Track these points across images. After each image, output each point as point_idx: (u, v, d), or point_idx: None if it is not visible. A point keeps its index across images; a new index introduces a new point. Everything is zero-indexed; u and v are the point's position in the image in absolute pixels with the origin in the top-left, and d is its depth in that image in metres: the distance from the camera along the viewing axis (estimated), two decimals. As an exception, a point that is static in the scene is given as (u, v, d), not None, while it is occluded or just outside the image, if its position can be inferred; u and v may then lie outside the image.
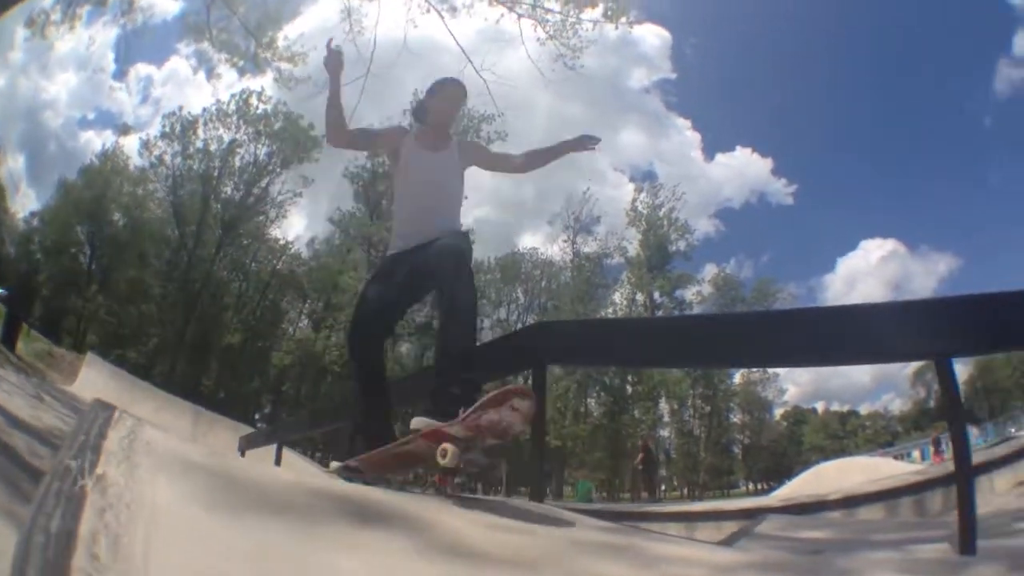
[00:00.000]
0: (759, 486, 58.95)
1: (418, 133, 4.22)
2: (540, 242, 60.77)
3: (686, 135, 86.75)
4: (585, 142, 4.29)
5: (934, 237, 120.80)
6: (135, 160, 48.94)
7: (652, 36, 63.59)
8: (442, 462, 2.82)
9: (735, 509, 10.22)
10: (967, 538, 3.13)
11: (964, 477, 3.32)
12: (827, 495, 10.48)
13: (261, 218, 50.55)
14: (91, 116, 53.10)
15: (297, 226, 70.44)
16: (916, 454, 42.95)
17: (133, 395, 20.44)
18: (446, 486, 3.00)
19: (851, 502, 9.53)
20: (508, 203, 67.55)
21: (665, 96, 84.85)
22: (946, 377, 3.36)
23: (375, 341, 4.01)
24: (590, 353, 5.57)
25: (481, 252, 52.73)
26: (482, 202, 64.08)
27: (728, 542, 4.52)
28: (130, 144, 49.74)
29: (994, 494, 9.50)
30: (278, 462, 11.18)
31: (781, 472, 53.99)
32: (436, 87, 4.18)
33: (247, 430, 18.62)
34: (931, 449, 28.85)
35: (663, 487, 60.40)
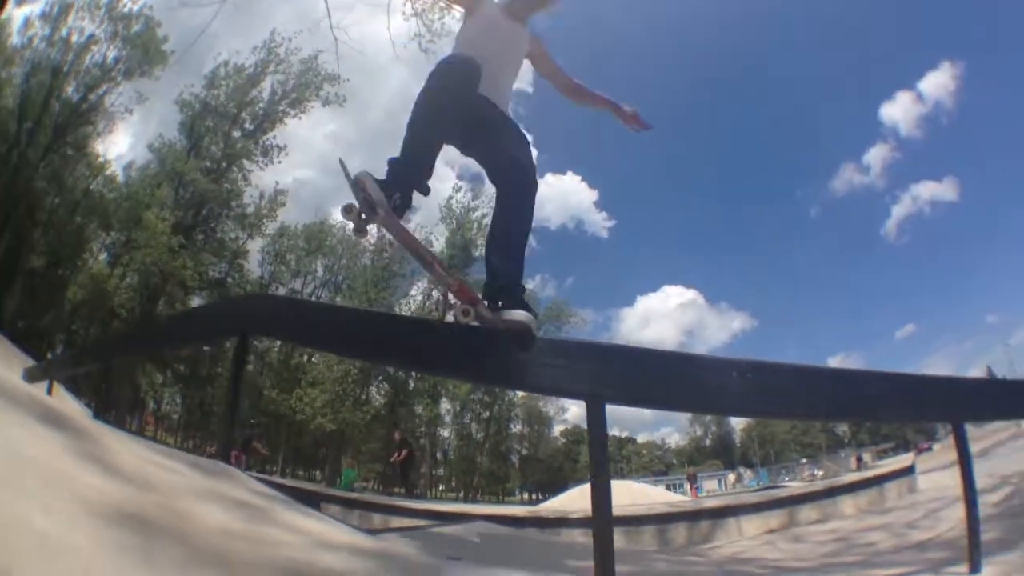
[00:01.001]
0: (533, 496, 59.79)
1: (505, 3, 3.98)
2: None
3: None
4: (636, 119, 4.19)
5: (734, 298, 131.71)
6: (15, 38, 42.39)
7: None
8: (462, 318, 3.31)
9: (476, 513, 10.27)
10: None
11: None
12: (572, 513, 10.35)
13: (90, 128, 44.60)
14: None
15: (121, 145, 64.75)
16: (687, 486, 44.84)
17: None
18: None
19: (589, 522, 8.97)
20: (335, 168, 64.68)
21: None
22: (596, 417, 3.19)
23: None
24: (294, 332, 5.27)
25: (293, 215, 50.47)
26: (308, 163, 61.62)
27: (375, 532, 4.59)
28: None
29: (741, 535, 9.46)
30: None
31: (555, 485, 54.77)
32: None
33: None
34: (688, 485, 29.68)
35: (442, 487, 60.82)
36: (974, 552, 3.81)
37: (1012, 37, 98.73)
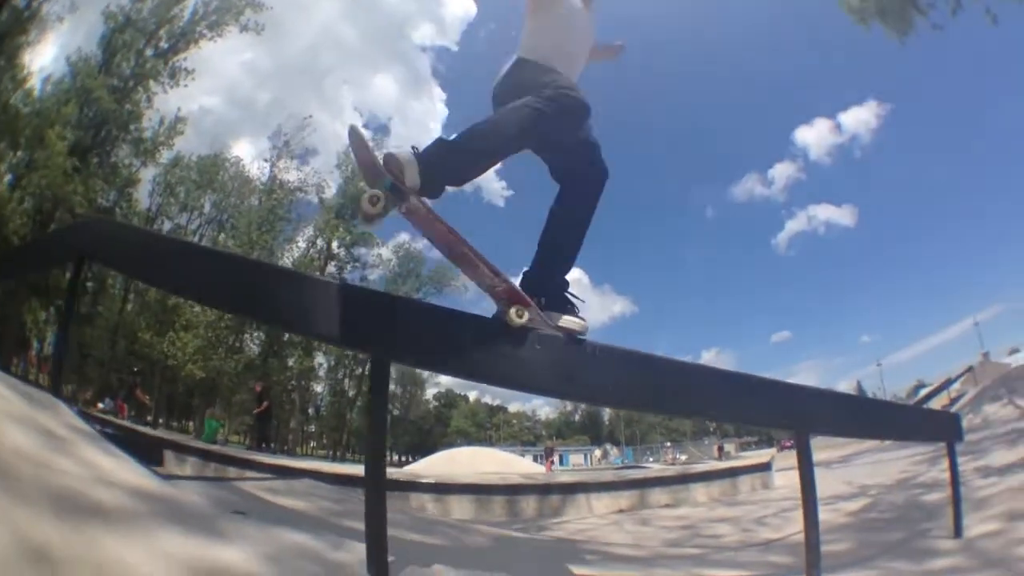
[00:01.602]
0: (403, 458, 59.26)
1: None
2: (251, 154, 55.87)
3: (435, 106, 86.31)
4: (615, 50, 4.29)
5: (618, 282, 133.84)
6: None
7: (458, 3, 61.95)
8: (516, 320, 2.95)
9: (322, 471, 9.39)
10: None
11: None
12: (423, 477, 10.34)
13: (23, 38, 41.53)
14: None
15: (46, 56, 60.46)
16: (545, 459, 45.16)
17: None
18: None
19: (441, 488, 9.30)
20: (241, 100, 61.61)
21: (437, 62, 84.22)
22: (379, 375, 2.88)
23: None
24: (132, 264, 4.53)
25: (192, 145, 47.73)
26: (215, 90, 58.38)
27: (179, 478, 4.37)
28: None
29: (591, 512, 9.41)
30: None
31: (425, 448, 54.36)
32: None
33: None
34: (546, 459, 29.54)
35: (313, 443, 59.55)
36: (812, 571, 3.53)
37: (936, 93, 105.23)
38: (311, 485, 6.52)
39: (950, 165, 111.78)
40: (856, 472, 11.64)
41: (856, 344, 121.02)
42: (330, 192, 50.44)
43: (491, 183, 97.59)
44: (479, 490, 9.48)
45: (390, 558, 3.01)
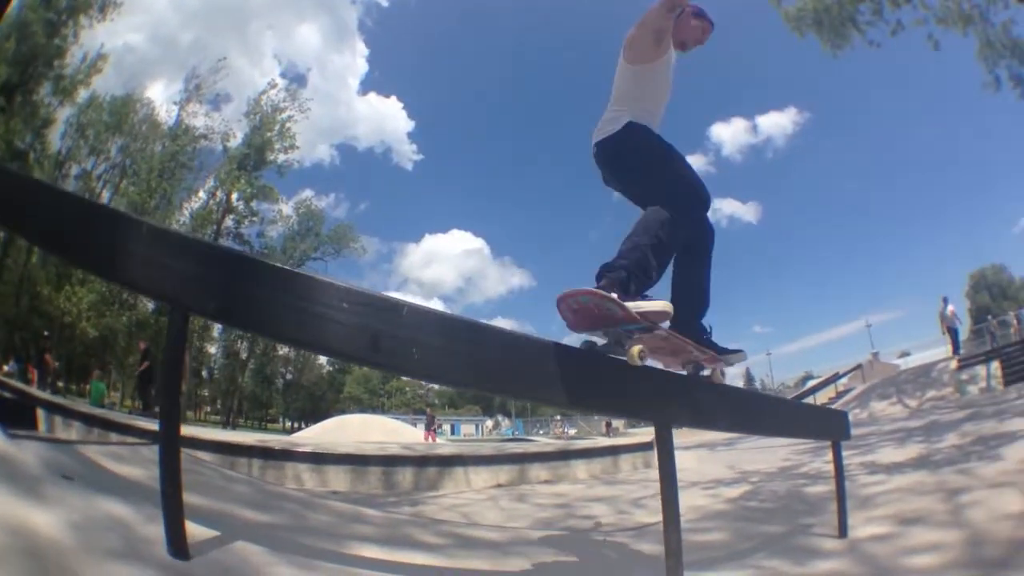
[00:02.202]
0: (295, 425, 58.05)
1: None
2: (164, 96, 52.92)
3: (356, 61, 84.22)
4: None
5: (519, 255, 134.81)
6: None
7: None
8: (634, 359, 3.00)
9: (199, 437, 9.21)
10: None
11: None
12: (301, 446, 9.81)
13: None
14: None
15: None
16: (447, 427, 44.76)
17: None
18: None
19: (317, 458, 8.98)
20: (165, 39, 57.97)
21: (364, 16, 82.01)
22: (176, 326, 2.65)
23: None
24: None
25: (111, 85, 45.07)
26: (142, 26, 55.06)
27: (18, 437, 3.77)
28: None
29: (469, 486, 9.19)
30: None
31: (317, 414, 53.31)
32: (709, 24, 3.93)
33: None
34: (427, 429, 28.73)
35: (207, 409, 57.62)
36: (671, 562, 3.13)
37: (855, 108, 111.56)
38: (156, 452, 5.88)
39: (859, 178, 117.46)
40: (741, 456, 11.68)
41: (749, 333, 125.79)
42: (236, 142, 48.06)
43: (402, 145, 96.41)
44: (355, 460, 9.13)
45: (212, 532, 2.94)
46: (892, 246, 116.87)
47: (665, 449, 2.99)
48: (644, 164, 3.63)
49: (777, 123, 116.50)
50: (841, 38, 17.86)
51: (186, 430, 10.67)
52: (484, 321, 2.87)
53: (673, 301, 3.41)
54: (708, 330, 3.70)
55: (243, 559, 2.80)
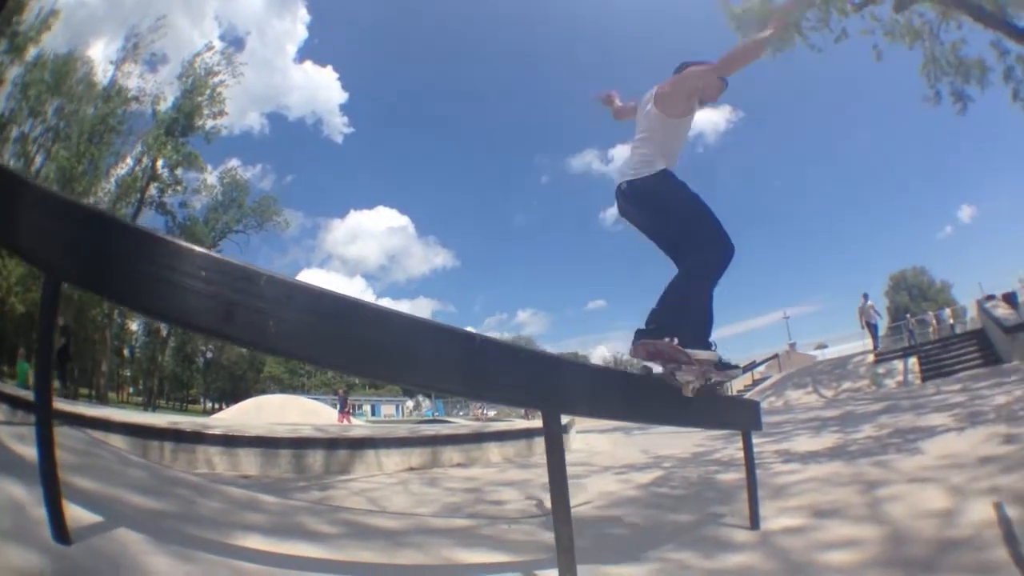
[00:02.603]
0: (213, 405, 56.80)
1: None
2: (105, 55, 50.60)
3: (295, 28, 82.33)
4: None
5: (444, 234, 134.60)
6: None
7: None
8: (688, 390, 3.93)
9: (110, 419, 8.80)
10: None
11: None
12: (212, 428, 9.31)
13: None
14: None
15: None
16: (367, 408, 44.33)
17: None
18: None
19: (227, 441, 8.63)
20: None
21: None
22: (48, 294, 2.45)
23: None
24: None
25: (59, 42, 43.00)
26: None
27: None
28: None
29: (381, 470, 8.96)
30: None
31: (237, 395, 52.14)
32: (725, 84, 4.39)
33: None
34: (341, 410, 28.16)
35: (131, 389, 55.70)
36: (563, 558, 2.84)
37: (790, 110, 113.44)
38: (63, 434, 5.47)
39: (786, 178, 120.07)
40: (655, 441, 11.66)
41: None
42: (166, 106, 46.39)
43: (334, 117, 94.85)
44: (266, 443, 8.78)
45: (98, 518, 2.87)
46: (813, 243, 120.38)
47: (554, 440, 2.80)
48: (676, 210, 4.11)
49: (710, 119, 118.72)
50: (783, 41, 18.03)
51: (103, 412, 10.38)
52: (357, 297, 2.57)
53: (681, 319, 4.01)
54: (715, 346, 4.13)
55: (123, 546, 2.69)
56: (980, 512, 4.15)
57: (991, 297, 24.51)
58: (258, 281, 2.31)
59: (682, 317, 3.89)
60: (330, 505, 5.80)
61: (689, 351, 3.73)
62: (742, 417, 5.06)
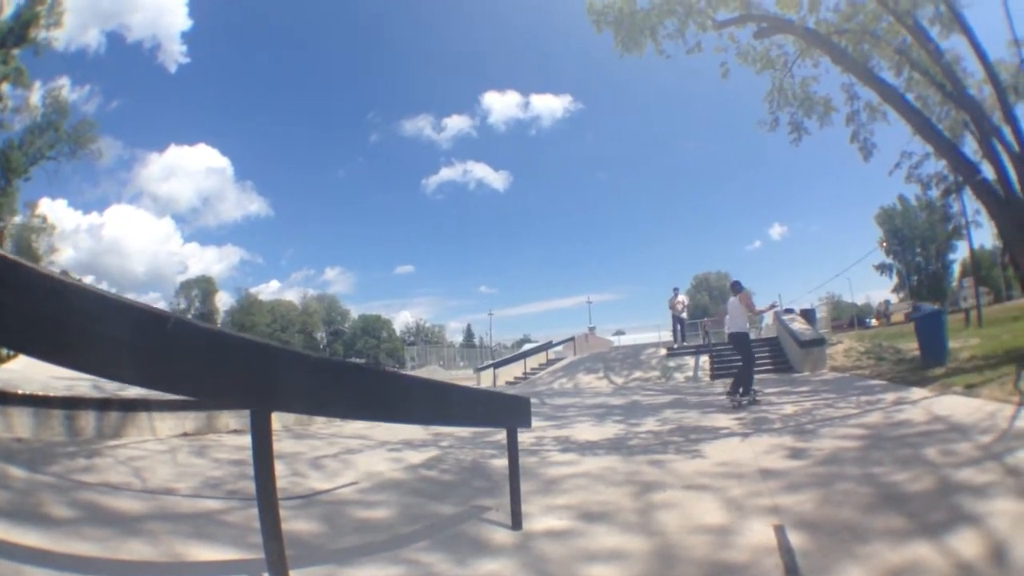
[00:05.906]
0: (9, 353, 52.61)
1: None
2: None
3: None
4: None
5: (261, 180, 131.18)
6: None
7: None
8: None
9: None
10: None
11: None
12: (17, 387, 8.14)
13: None
14: None
15: None
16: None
17: None
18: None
19: (3, 399, 7.58)
20: None
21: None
22: None
23: None
24: None
25: None
26: None
27: None
28: None
29: (154, 435, 8.65)
30: None
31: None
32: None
33: None
34: None
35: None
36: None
37: (625, 111, 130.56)
38: None
39: (611, 172, 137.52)
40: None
41: (474, 292, 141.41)
42: (5, 15, 41.61)
43: (172, 44, 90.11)
44: (38, 403, 7.87)
45: None
46: (627, 237, 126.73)
47: (263, 444, 2.30)
48: (743, 345, 12.85)
49: (550, 106, 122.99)
50: (635, 44, 18.34)
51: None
52: (18, 257, 1.66)
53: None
54: (740, 391, 11.85)
55: None
56: (759, 534, 4.00)
57: (789, 311, 26.18)
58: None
59: (738, 382, 11.89)
60: (79, 481, 5.37)
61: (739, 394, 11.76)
62: (508, 415, 4.86)
